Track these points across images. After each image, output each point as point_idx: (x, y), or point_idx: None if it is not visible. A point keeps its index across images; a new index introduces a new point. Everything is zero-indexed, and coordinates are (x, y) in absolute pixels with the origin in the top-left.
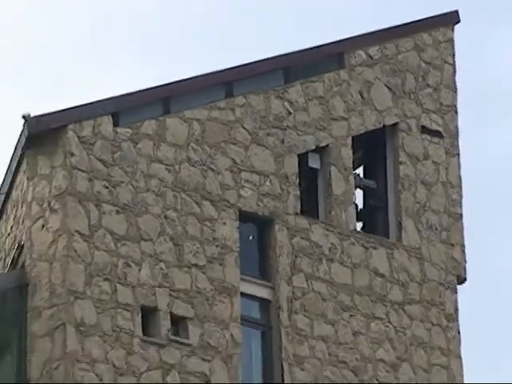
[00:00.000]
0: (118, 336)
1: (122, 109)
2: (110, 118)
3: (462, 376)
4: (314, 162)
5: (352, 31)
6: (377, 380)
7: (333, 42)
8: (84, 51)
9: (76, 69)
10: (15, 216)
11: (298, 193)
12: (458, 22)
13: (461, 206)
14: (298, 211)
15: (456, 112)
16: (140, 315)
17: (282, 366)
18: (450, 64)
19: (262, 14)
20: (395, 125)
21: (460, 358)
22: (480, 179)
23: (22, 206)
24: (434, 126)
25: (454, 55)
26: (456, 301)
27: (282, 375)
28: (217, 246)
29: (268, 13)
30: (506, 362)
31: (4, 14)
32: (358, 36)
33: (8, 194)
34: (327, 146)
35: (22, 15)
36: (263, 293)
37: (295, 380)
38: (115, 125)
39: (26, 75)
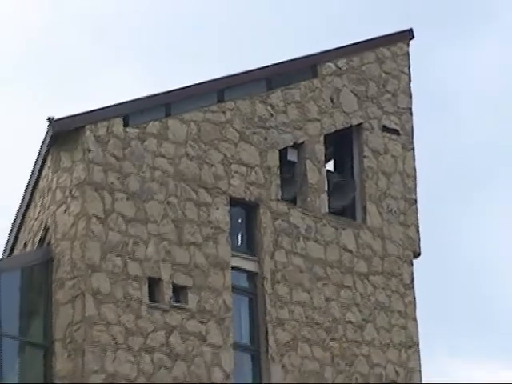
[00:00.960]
0: (129, 303)
1: (131, 112)
2: (121, 119)
3: (417, 335)
4: (292, 156)
5: (323, 46)
6: (346, 338)
7: (307, 56)
8: (99, 62)
9: (91, 77)
10: (42, 203)
11: (279, 182)
12: (413, 38)
13: (415, 193)
14: (279, 197)
15: (411, 113)
16: (147, 285)
17: (267, 327)
18: (405, 74)
19: (248, 31)
20: (360, 125)
21: (416, 320)
22: (432, 169)
23: (47, 195)
24: (393, 126)
25: (409, 66)
26: (412, 272)
27: (267, 335)
28: (211, 227)
29: (252, 29)
30: (454, 322)
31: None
32: (328, 50)
33: (35, 185)
34: (303, 142)
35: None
36: (250, 266)
37: (277, 339)
38: (125, 125)
39: (50, 81)
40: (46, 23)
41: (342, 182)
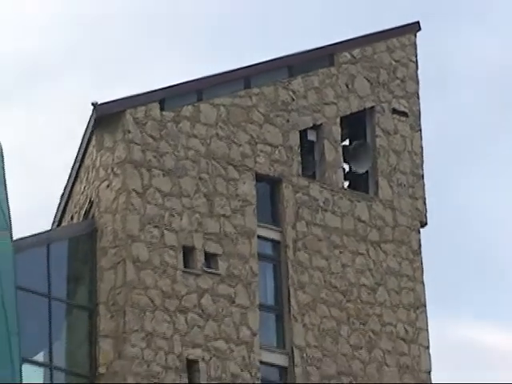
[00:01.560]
0: (165, 269)
1: (167, 97)
2: (158, 104)
3: (424, 297)
4: (311, 136)
5: (339, 37)
6: (360, 300)
7: (325, 46)
8: (139, 51)
9: (131, 64)
10: (87, 179)
11: (300, 159)
12: (419, 30)
13: (422, 169)
14: (300, 173)
15: (418, 98)
16: (181, 253)
17: (289, 290)
18: (413, 62)
19: (271, 24)
20: (372, 108)
21: (423, 283)
22: (437, 147)
23: (92, 172)
24: (402, 108)
25: (416, 55)
26: (419, 240)
27: (289, 297)
28: (239, 200)
29: (274, 22)
30: (458, 285)
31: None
32: (344, 41)
33: (81, 163)
34: (321, 124)
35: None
36: (274, 235)
37: (299, 300)
38: (161, 109)
39: (97, 69)
40: (94, 17)
41: (360, 146)
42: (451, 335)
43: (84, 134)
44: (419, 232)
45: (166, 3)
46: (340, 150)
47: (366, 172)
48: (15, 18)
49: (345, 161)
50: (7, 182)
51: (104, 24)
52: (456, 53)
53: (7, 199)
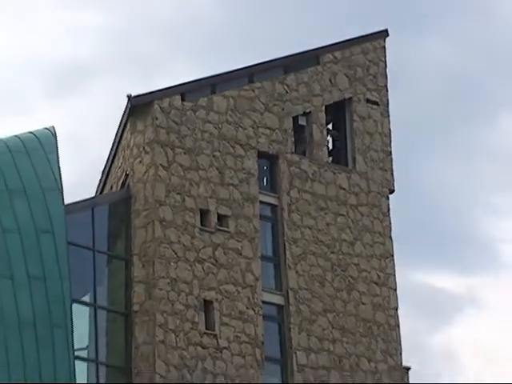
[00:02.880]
0: (186, 227)
1: (186, 90)
2: (179, 96)
3: (392, 249)
4: (302, 121)
5: (323, 42)
6: (341, 252)
7: (312, 49)
8: (161, 54)
9: (157, 64)
10: (123, 156)
11: (293, 140)
12: (387, 36)
13: (390, 147)
14: (293, 151)
15: (387, 90)
16: (199, 214)
17: (284, 244)
18: (382, 61)
19: (271, 31)
20: (350, 98)
21: (391, 238)
22: (401, 129)
23: (127, 150)
24: (374, 99)
25: (385, 56)
26: (388, 204)
27: (284, 249)
28: (244, 173)
29: (270, 29)
30: (419, 238)
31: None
32: (328, 45)
33: (119, 143)
34: (310, 111)
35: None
36: (272, 200)
37: (292, 252)
38: (182, 100)
39: (127, 68)
40: (126, 25)
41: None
42: (413, 279)
43: (121, 120)
44: (388, 198)
45: (183, 15)
46: (325, 132)
47: (345, 149)
48: (70, 28)
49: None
50: (60, 159)
51: (133, 34)
52: (417, 54)
53: (60, 171)
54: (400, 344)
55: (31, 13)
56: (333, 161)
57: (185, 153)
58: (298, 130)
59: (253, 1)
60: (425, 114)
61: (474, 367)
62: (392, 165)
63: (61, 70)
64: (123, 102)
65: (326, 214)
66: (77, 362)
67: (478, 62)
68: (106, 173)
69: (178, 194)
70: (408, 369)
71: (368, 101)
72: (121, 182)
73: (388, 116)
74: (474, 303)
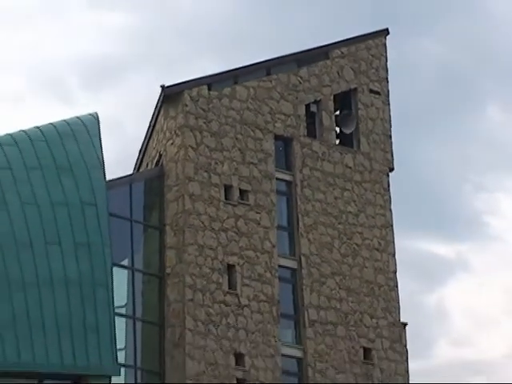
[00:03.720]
0: (212, 201)
1: (213, 81)
2: (206, 86)
3: (392, 220)
4: (313, 109)
5: (332, 39)
6: (347, 222)
7: (322, 46)
8: (188, 51)
9: (186, 58)
10: (157, 138)
11: (305, 124)
12: (388, 34)
13: (391, 131)
14: (306, 134)
15: (387, 81)
16: (223, 189)
17: (297, 215)
18: (383, 56)
19: (286, 30)
20: (355, 89)
21: (390, 210)
22: (400, 116)
23: (160, 133)
24: (376, 89)
25: (386, 52)
26: (388, 180)
27: (298, 220)
28: (263, 153)
29: (288, 29)
30: (414, 210)
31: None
32: (336, 42)
33: (153, 127)
34: (320, 100)
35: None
36: (287, 177)
37: (305, 223)
38: (209, 90)
39: (160, 62)
40: (152, 25)
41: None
42: (410, 246)
43: (155, 108)
44: (388, 175)
45: (207, 15)
46: (333, 118)
47: (351, 133)
48: (102, 28)
49: (337, 125)
50: (102, 141)
51: (162, 32)
52: (414, 50)
53: (102, 151)
54: (398, 303)
55: (69, 14)
56: (340, 143)
57: (211, 136)
58: (309, 116)
59: (269, 4)
60: (420, 102)
61: (462, 324)
62: (392, 146)
63: (98, 65)
64: (157, 92)
65: (333, 189)
66: (116, 318)
67: (467, 58)
68: (142, 153)
69: (205, 171)
70: (405, 324)
71: (371, 91)
72: (155, 161)
73: (388, 104)
74: (463, 267)
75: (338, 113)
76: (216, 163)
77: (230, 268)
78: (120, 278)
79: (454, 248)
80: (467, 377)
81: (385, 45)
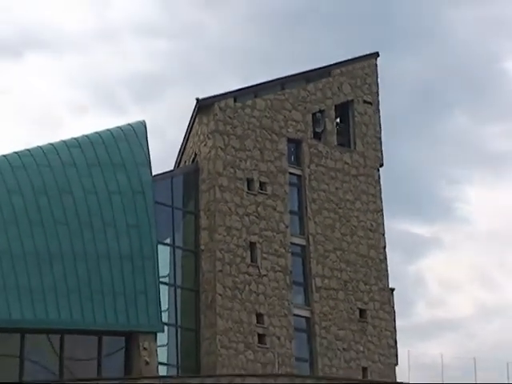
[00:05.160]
0: (237, 191)
1: (237, 95)
2: (233, 98)
3: (382, 205)
4: (318, 117)
5: (333, 61)
6: (346, 207)
7: (325, 66)
8: (214, 68)
9: (214, 76)
10: (193, 141)
11: (312, 129)
12: (378, 56)
13: (381, 134)
14: (312, 137)
15: (378, 94)
16: (246, 182)
17: (306, 203)
18: (374, 74)
19: (296, 53)
20: (352, 100)
21: (381, 198)
22: (388, 122)
23: (195, 137)
24: (369, 100)
25: (376, 70)
26: (379, 174)
27: (306, 206)
28: (278, 152)
29: (296, 50)
30: (400, 199)
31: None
32: (336, 63)
33: (190, 132)
34: (324, 109)
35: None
36: (298, 171)
37: (312, 207)
38: (235, 101)
39: (198, 79)
40: (188, 49)
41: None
42: (395, 227)
43: (191, 116)
44: (378, 170)
45: (232, 41)
46: (334, 123)
47: (349, 135)
48: (148, 51)
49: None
50: (149, 143)
51: (197, 57)
52: (398, 68)
53: (148, 151)
54: (387, 272)
55: (122, 40)
56: (339, 144)
57: (236, 138)
58: (315, 122)
59: (283, 34)
60: (403, 111)
61: (436, 289)
62: (382, 147)
63: (145, 81)
64: (193, 103)
65: (335, 181)
66: (160, 286)
67: (438, 75)
68: (181, 153)
69: (231, 167)
70: (392, 290)
71: (364, 101)
72: (191, 159)
73: (379, 112)
74: (437, 244)
75: (338, 120)
76: (240, 161)
77: (252, 245)
78: (163, 253)
79: (430, 229)
80: (440, 331)
81: (376, 65)
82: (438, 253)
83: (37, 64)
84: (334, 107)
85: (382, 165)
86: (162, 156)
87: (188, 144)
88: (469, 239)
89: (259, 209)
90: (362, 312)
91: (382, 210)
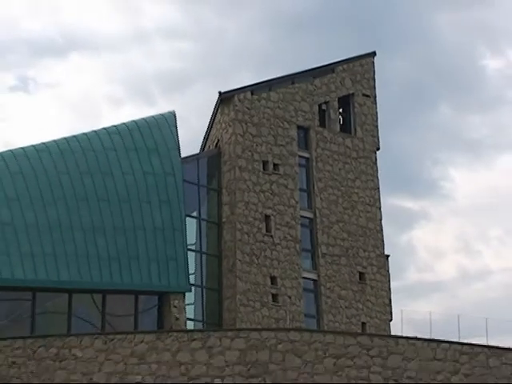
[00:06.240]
0: (254, 171)
1: (254, 89)
2: (250, 92)
3: (378, 185)
4: (324, 107)
5: (337, 59)
6: (348, 185)
7: (329, 64)
8: (233, 67)
9: (235, 73)
10: (216, 128)
11: (318, 118)
12: (375, 55)
13: (377, 122)
14: (319, 125)
15: (375, 88)
16: (261, 163)
17: (313, 181)
18: (372, 70)
19: (303, 54)
20: (353, 93)
21: (377, 177)
22: (384, 112)
23: (218, 124)
24: (367, 93)
25: (374, 67)
26: (376, 157)
27: (313, 185)
28: (289, 138)
29: (305, 51)
30: (393, 178)
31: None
32: (339, 61)
33: (213, 120)
34: (329, 101)
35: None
36: (306, 154)
37: (318, 187)
38: (252, 94)
39: (219, 74)
40: (210, 48)
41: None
42: (390, 202)
43: (215, 107)
44: (375, 153)
45: (249, 42)
46: (338, 113)
47: (350, 123)
48: (174, 50)
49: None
50: (178, 130)
51: (218, 55)
52: (390, 67)
53: (178, 137)
54: (383, 241)
55: (152, 41)
56: (341, 130)
57: (253, 126)
58: (321, 112)
59: (294, 35)
60: (396, 103)
61: (424, 256)
62: (378, 133)
63: (173, 77)
64: (214, 96)
65: (338, 162)
66: (188, 252)
67: (426, 72)
68: (206, 139)
69: (249, 151)
70: (388, 256)
71: (363, 95)
72: (215, 144)
73: (376, 104)
74: (425, 217)
75: (341, 110)
76: (256, 145)
77: (267, 217)
78: (191, 225)
79: (419, 203)
80: (428, 292)
81: (373, 62)
82: (426, 224)
83: (80, 62)
84: (337, 99)
85: (378, 149)
86: (188, 141)
87: (212, 131)
88: (452, 213)
89: (273, 186)
90: (361, 275)
91: (378, 188)
